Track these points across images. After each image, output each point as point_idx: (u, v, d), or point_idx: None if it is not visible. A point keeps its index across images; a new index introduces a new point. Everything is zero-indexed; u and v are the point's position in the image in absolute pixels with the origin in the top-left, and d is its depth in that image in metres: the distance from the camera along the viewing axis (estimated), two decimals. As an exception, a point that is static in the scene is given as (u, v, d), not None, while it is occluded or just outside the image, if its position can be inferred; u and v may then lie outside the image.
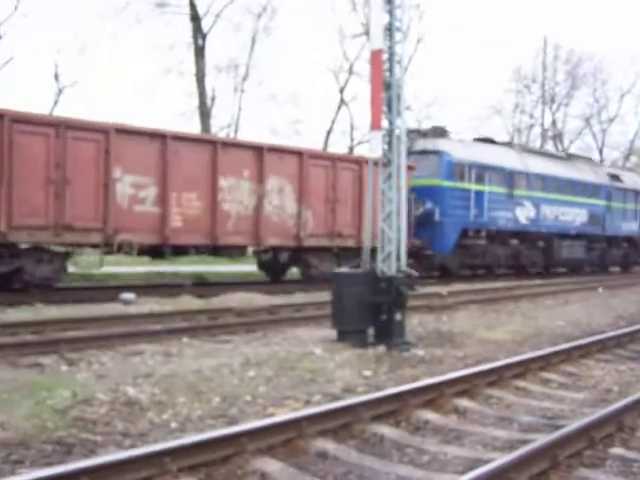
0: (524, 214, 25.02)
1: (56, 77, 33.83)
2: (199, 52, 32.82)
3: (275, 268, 19.71)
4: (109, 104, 55.53)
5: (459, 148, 23.00)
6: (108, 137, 14.27)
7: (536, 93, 51.24)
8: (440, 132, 23.34)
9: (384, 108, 9.78)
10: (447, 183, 21.94)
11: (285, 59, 61.03)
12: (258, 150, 17.20)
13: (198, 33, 32.80)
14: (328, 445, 5.25)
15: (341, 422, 5.64)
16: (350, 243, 19.08)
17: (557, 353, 9.02)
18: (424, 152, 21.54)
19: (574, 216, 27.82)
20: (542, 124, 49.91)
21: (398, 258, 9.75)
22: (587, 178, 29.06)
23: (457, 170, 22.23)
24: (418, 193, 20.62)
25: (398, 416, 6.10)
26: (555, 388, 7.72)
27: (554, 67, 51.50)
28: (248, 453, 4.86)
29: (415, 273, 9.84)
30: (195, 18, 32.63)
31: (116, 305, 13.19)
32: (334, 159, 19.27)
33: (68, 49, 48.85)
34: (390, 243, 9.74)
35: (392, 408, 6.13)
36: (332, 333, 9.83)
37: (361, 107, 40.35)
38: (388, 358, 8.74)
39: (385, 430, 5.70)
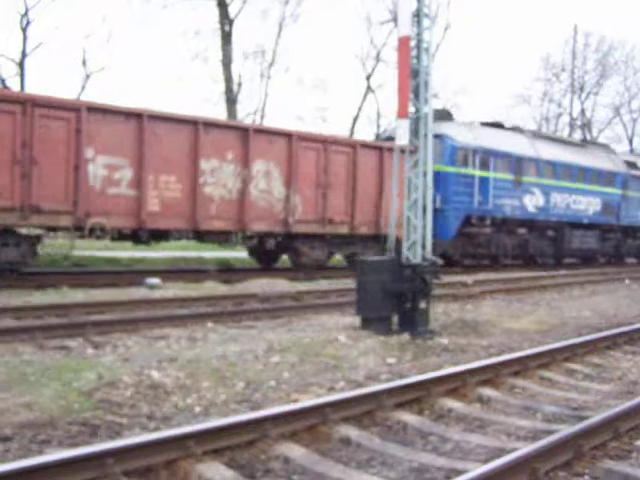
0: (533, 202, 24.27)
1: (84, 63, 33.99)
2: (226, 38, 32.75)
3: (265, 255, 19.14)
4: (136, 90, 55.79)
5: (463, 132, 22.26)
6: (79, 116, 13.57)
7: (565, 82, 50.72)
8: (444, 115, 22.57)
9: (411, 95, 9.73)
10: (449, 169, 21.22)
11: (312, 46, 60.93)
12: (243, 131, 16.48)
13: (225, 19, 32.72)
14: (351, 432, 5.26)
15: (364, 409, 5.65)
16: (342, 230, 18.38)
17: (583, 344, 8.95)
18: None
19: (587, 205, 26.98)
20: (570, 113, 49.29)
21: (423, 246, 9.72)
22: (601, 165, 28.16)
23: (460, 155, 21.51)
24: None
25: (421, 404, 6.10)
26: (580, 379, 7.66)
27: (584, 55, 50.89)
28: (272, 438, 4.89)
29: (440, 261, 9.81)
30: (222, 4, 32.56)
31: (142, 289, 13.33)
32: (326, 142, 18.12)
33: (96, 35, 48.67)
34: (415, 231, 9.71)
35: (415, 396, 6.13)
36: (356, 320, 9.85)
37: (388, 94, 40.23)
38: (412, 346, 8.73)
39: (408, 418, 5.71)
